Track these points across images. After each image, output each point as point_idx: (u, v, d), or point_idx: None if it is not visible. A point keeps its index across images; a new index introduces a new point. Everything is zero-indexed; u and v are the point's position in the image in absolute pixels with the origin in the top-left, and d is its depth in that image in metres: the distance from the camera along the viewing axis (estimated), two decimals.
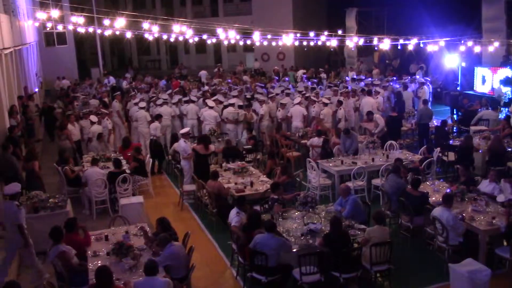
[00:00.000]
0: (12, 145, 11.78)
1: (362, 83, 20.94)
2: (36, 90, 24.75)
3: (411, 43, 18.94)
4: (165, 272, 7.20)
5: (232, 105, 16.50)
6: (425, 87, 19.74)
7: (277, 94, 18.67)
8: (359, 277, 7.94)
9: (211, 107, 16.26)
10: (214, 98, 17.79)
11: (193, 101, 17.29)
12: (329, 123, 16.18)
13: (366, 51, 30.72)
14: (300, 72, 27.80)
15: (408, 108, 18.19)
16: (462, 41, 19.45)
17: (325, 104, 16.56)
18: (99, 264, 7.26)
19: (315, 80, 23.34)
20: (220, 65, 32.82)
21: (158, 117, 15.64)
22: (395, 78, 22.58)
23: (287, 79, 25.69)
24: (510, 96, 18.86)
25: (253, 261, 7.84)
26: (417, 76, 22.74)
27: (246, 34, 21.95)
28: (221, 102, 17.44)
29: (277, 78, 25.80)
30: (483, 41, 20.30)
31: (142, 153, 13.72)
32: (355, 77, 23.87)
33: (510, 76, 19.03)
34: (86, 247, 8.16)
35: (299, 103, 16.57)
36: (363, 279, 8.08)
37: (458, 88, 22.45)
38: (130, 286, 6.66)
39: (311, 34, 20.10)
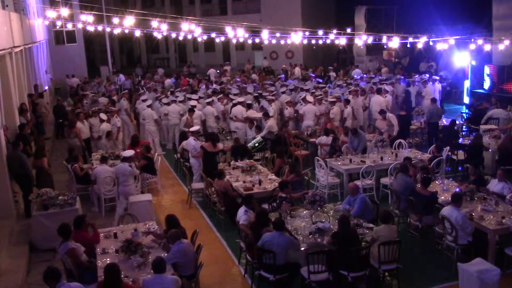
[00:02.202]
0: (22, 142, 11.88)
1: (363, 83, 20.85)
2: (46, 88, 24.92)
3: (421, 41, 18.84)
4: (173, 270, 7.23)
5: (241, 103, 16.52)
6: (429, 85, 19.60)
7: (283, 92, 18.70)
8: (367, 276, 7.92)
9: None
10: (219, 96, 17.89)
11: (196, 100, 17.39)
12: (337, 122, 16.14)
13: (375, 49, 30.60)
14: (296, 69, 27.80)
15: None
16: (472, 39, 19.31)
17: (333, 103, 16.52)
18: (108, 262, 7.30)
19: (320, 80, 23.14)
20: (228, 63, 32.85)
21: (190, 111, 15.94)
22: (403, 77, 22.42)
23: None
24: None
25: (261, 259, 7.85)
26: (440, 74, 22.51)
27: (255, 32, 21.93)
28: (231, 100, 17.48)
29: (283, 76, 25.74)
30: (493, 39, 20.14)
31: (152, 151, 13.76)
32: (364, 75, 23.78)
33: None
34: (95, 244, 8.22)
35: (312, 102, 16.53)
36: (371, 278, 8.07)
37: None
38: (139, 283, 6.69)
39: (320, 32, 20.04)
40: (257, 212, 8.63)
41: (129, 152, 11.73)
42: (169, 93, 19.64)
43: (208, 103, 16.88)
